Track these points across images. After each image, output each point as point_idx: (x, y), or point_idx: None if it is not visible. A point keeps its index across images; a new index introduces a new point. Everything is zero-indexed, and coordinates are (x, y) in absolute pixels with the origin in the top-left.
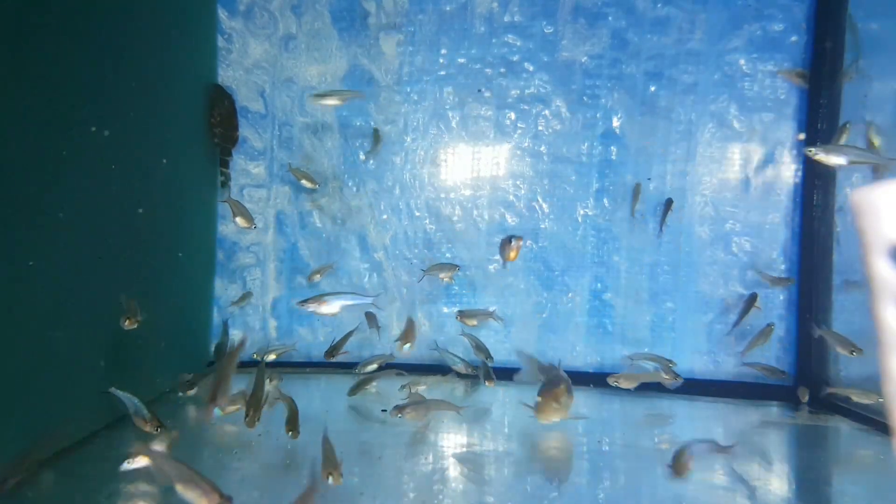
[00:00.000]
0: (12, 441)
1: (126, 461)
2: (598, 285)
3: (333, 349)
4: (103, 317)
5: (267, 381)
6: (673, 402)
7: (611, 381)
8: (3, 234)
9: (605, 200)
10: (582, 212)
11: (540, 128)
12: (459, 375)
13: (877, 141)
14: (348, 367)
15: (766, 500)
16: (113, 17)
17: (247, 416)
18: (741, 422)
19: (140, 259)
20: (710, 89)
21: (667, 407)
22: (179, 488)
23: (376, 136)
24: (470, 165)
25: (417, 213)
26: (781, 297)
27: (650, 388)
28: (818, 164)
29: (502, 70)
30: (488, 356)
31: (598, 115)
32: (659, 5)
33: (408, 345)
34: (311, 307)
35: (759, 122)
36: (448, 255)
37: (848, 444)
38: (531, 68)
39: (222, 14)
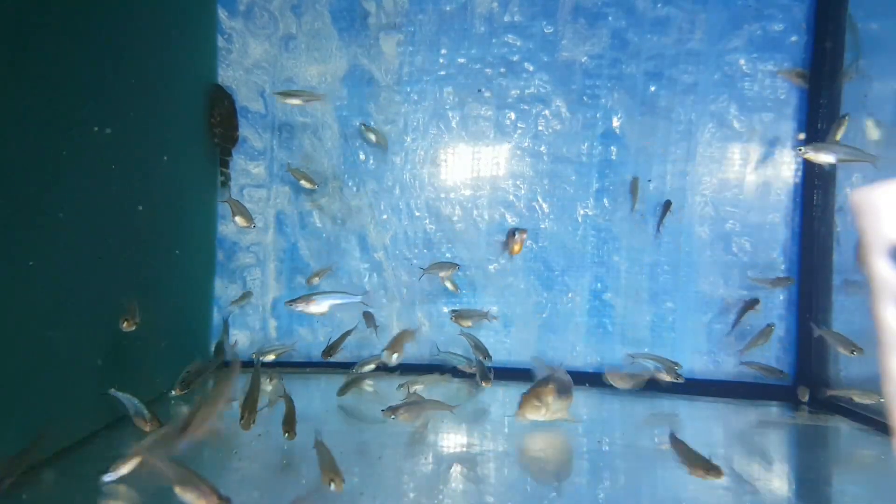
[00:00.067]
0: (12, 441)
1: (108, 472)
2: (598, 285)
3: (330, 349)
4: (103, 317)
5: (267, 380)
6: (673, 402)
7: (607, 377)
8: (3, 234)
9: (605, 200)
10: (582, 212)
11: (540, 128)
12: (465, 375)
13: (875, 133)
14: (348, 367)
15: (766, 499)
16: (113, 17)
17: (242, 417)
18: (741, 422)
19: (140, 259)
20: (710, 89)
21: (667, 407)
22: (178, 490)
23: (371, 132)
24: (470, 165)
25: (417, 213)
26: (781, 297)
27: (650, 388)
28: (818, 163)
29: (502, 70)
30: (486, 355)
31: (598, 115)
32: (659, 5)
33: (395, 354)
34: (300, 307)
35: (759, 122)
36: (448, 255)
37: (848, 444)
38: (531, 68)
39: (222, 14)
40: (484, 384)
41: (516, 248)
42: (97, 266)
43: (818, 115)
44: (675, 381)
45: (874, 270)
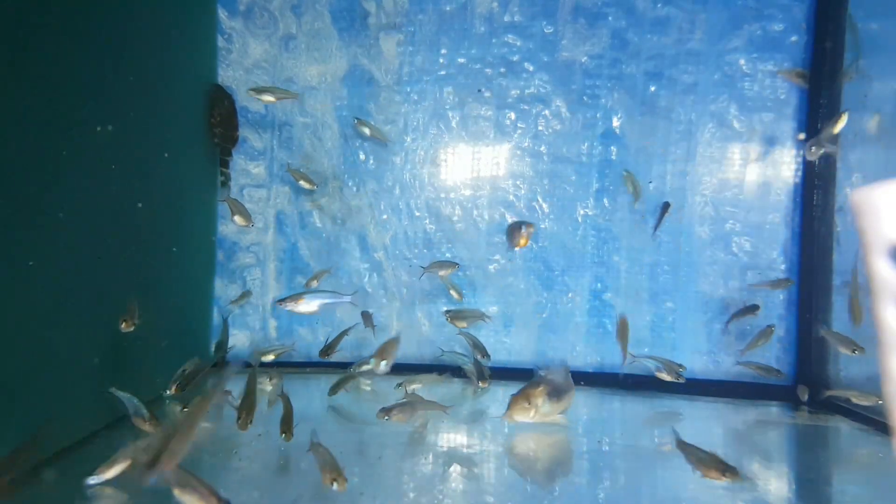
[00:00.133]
0: (12, 441)
1: (94, 475)
2: (598, 285)
3: (328, 348)
4: (103, 317)
5: (267, 380)
6: (673, 402)
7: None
8: (3, 234)
9: (605, 200)
10: (582, 212)
11: (540, 128)
12: (468, 376)
13: (875, 119)
14: (348, 366)
15: (765, 499)
16: (113, 17)
17: (238, 418)
18: (741, 422)
19: (140, 259)
20: (710, 89)
21: (667, 407)
22: (177, 492)
23: (365, 126)
24: (470, 165)
25: (417, 213)
26: (781, 297)
27: (650, 388)
28: (818, 163)
29: (502, 70)
30: (485, 354)
31: (598, 115)
32: (659, 5)
33: (384, 361)
34: (289, 306)
35: (759, 122)
36: (448, 255)
37: (848, 444)
38: (531, 68)
39: (222, 14)
40: (481, 384)
41: (522, 241)
42: (97, 266)
43: (818, 115)
44: (675, 381)
45: (874, 270)
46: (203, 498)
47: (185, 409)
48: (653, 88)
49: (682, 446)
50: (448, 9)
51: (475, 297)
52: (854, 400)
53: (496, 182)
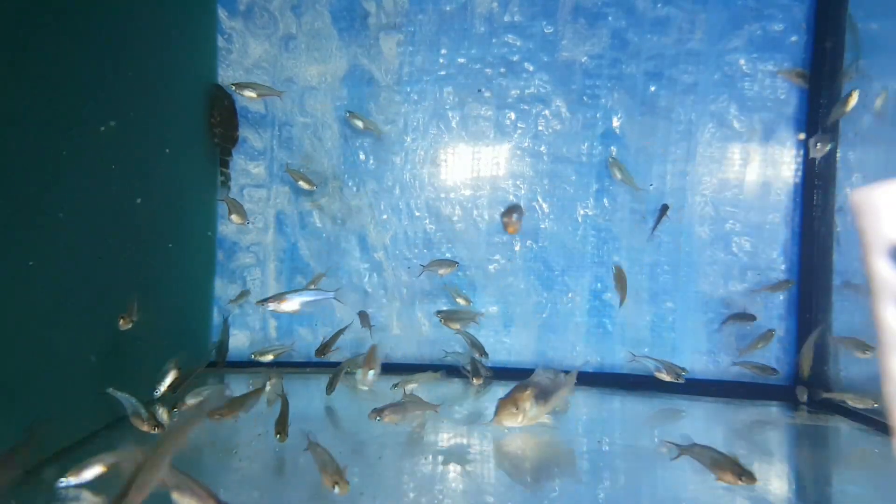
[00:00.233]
0: (12, 441)
1: (65, 476)
2: (598, 285)
3: (324, 348)
4: (103, 317)
5: (267, 380)
6: (673, 402)
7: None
8: (4, 234)
9: (605, 200)
10: (582, 212)
11: (540, 128)
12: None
13: (880, 100)
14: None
15: (765, 499)
16: (113, 17)
17: (219, 415)
18: (741, 421)
19: (140, 259)
20: (710, 89)
21: (667, 406)
22: (175, 495)
23: (358, 120)
24: (470, 165)
25: (417, 213)
26: (781, 298)
27: (651, 388)
28: (818, 163)
29: (502, 70)
30: (483, 353)
31: (598, 115)
32: (659, 5)
33: (371, 371)
34: (272, 305)
35: (759, 122)
36: (448, 255)
37: (848, 444)
38: (531, 68)
39: (222, 14)
40: (475, 381)
41: (510, 230)
42: (97, 266)
43: (818, 115)
44: (675, 381)
45: (874, 270)
46: (202, 501)
47: (175, 409)
48: (653, 88)
49: (693, 448)
50: (448, 9)
51: (475, 297)
52: (850, 403)
53: (496, 182)
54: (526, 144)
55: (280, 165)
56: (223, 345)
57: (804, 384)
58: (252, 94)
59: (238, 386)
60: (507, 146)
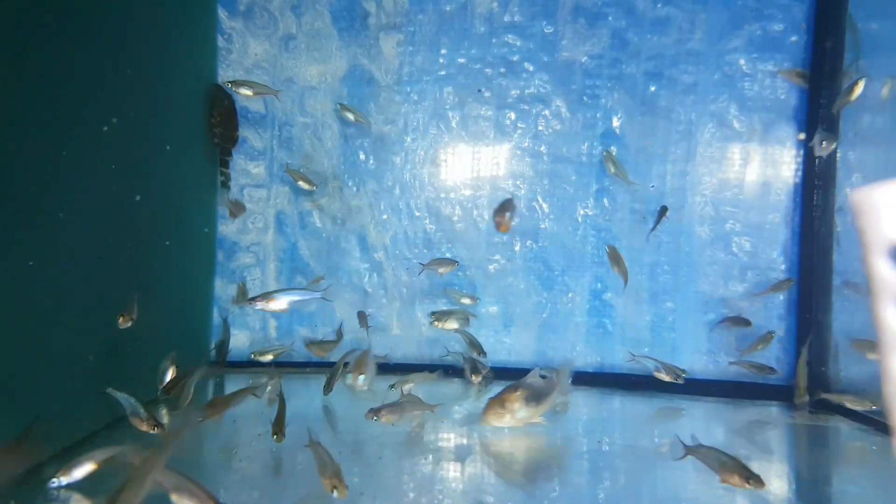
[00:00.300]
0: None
1: (56, 477)
2: (598, 285)
3: (312, 343)
4: (103, 317)
5: (268, 379)
6: (673, 402)
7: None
8: (3, 234)
9: (605, 200)
10: (582, 212)
11: (540, 128)
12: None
13: (886, 89)
14: (346, 366)
15: (765, 499)
16: (113, 17)
17: (203, 417)
18: (741, 421)
19: (140, 259)
20: (710, 89)
21: (667, 406)
22: (174, 497)
23: (348, 112)
24: (470, 165)
25: (417, 213)
26: (781, 298)
27: (651, 388)
28: (818, 163)
29: (502, 70)
30: (480, 352)
31: (598, 115)
32: (659, 5)
33: (362, 376)
34: (260, 304)
35: (759, 122)
36: (448, 255)
37: (848, 444)
38: (531, 68)
39: (222, 14)
40: (473, 378)
41: (502, 228)
42: (97, 266)
43: (818, 115)
44: (674, 381)
45: (874, 270)
46: (201, 502)
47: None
48: (653, 88)
49: (699, 449)
50: (448, 9)
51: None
52: (848, 405)
53: (496, 182)
54: (526, 144)
55: (280, 165)
56: (224, 345)
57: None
58: (248, 92)
59: (238, 386)
60: (507, 146)
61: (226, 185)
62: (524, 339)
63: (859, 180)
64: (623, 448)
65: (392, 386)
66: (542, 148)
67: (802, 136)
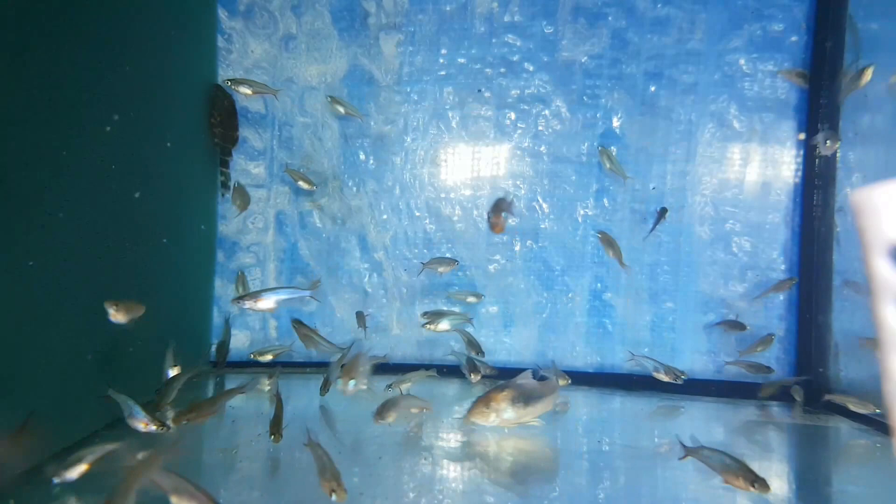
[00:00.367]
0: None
1: (58, 474)
2: (598, 285)
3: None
4: (103, 317)
5: (266, 379)
6: (673, 402)
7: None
8: (3, 234)
9: (605, 200)
10: (582, 212)
11: (540, 128)
12: (485, 376)
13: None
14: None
15: (766, 499)
16: (113, 17)
17: (188, 419)
18: (741, 421)
19: (140, 259)
20: (710, 89)
21: (666, 406)
22: (174, 500)
23: (339, 105)
24: (470, 165)
25: (417, 213)
26: (781, 298)
27: (651, 388)
28: (818, 163)
29: (502, 70)
30: (479, 351)
31: (598, 115)
32: (659, 5)
33: (353, 381)
34: (247, 304)
35: (759, 122)
36: (448, 255)
37: (848, 444)
38: (531, 68)
39: (222, 14)
40: (472, 376)
41: (496, 230)
42: (97, 266)
43: (818, 115)
44: (673, 381)
45: (874, 270)
46: None
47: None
48: (653, 88)
49: (701, 450)
50: (448, 9)
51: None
52: (852, 407)
53: (496, 182)
54: (526, 144)
55: (280, 165)
56: (224, 345)
57: (806, 384)
58: (248, 91)
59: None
60: (507, 146)
61: (226, 185)
62: (524, 339)
63: (859, 180)
64: (623, 448)
65: (389, 386)
66: (542, 148)
67: (802, 136)
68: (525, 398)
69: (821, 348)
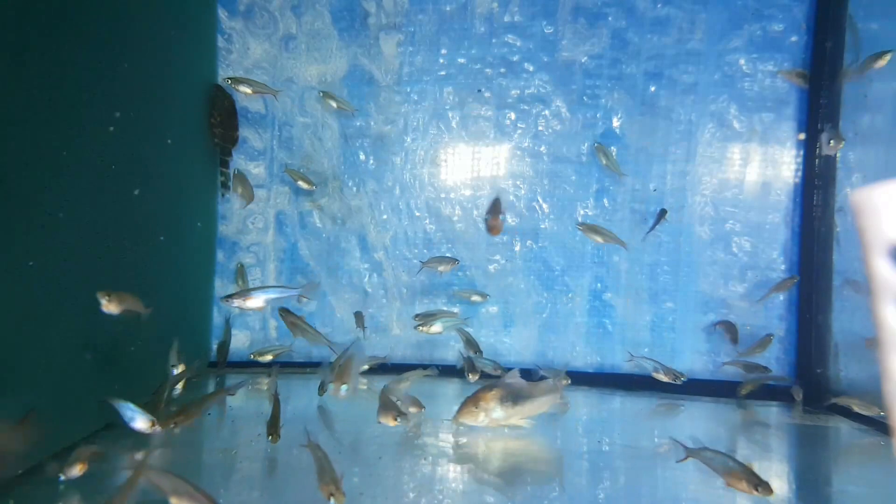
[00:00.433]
0: None
1: (63, 471)
2: (598, 285)
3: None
4: (103, 317)
5: (266, 378)
6: (673, 402)
7: None
8: (3, 234)
9: (605, 200)
10: (582, 212)
11: (540, 128)
12: (488, 376)
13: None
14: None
15: (765, 499)
16: (113, 18)
17: (175, 423)
18: (740, 421)
19: (140, 259)
20: (710, 89)
21: (666, 407)
22: (174, 501)
23: (331, 100)
24: (470, 165)
25: (417, 213)
26: (781, 298)
27: (651, 388)
28: (818, 163)
29: (502, 70)
30: (477, 350)
31: (598, 115)
32: (659, 5)
33: (344, 386)
34: (236, 303)
35: (759, 122)
36: (448, 255)
37: (848, 444)
38: (531, 68)
39: (222, 14)
40: (471, 376)
41: (493, 232)
42: (96, 266)
43: (818, 115)
44: (672, 382)
45: (874, 270)
46: None
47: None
48: (653, 88)
49: (702, 451)
50: (448, 9)
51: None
52: (856, 409)
53: (496, 182)
54: (526, 144)
55: (280, 165)
56: (225, 345)
57: (806, 384)
58: (248, 90)
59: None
60: (507, 146)
61: (226, 185)
62: (524, 339)
63: (859, 180)
64: (623, 448)
65: (386, 387)
66: (542, 148)
67: (802, 136)
68: (514, 398)
69: (821, 348)
